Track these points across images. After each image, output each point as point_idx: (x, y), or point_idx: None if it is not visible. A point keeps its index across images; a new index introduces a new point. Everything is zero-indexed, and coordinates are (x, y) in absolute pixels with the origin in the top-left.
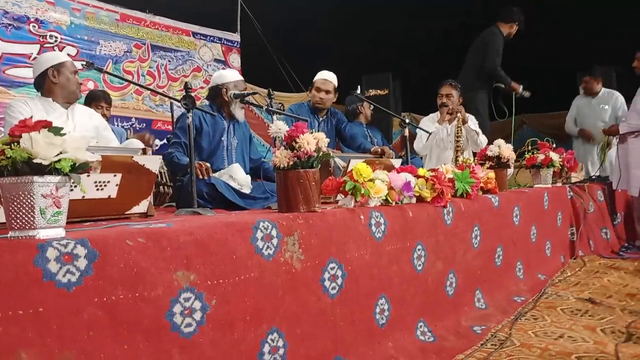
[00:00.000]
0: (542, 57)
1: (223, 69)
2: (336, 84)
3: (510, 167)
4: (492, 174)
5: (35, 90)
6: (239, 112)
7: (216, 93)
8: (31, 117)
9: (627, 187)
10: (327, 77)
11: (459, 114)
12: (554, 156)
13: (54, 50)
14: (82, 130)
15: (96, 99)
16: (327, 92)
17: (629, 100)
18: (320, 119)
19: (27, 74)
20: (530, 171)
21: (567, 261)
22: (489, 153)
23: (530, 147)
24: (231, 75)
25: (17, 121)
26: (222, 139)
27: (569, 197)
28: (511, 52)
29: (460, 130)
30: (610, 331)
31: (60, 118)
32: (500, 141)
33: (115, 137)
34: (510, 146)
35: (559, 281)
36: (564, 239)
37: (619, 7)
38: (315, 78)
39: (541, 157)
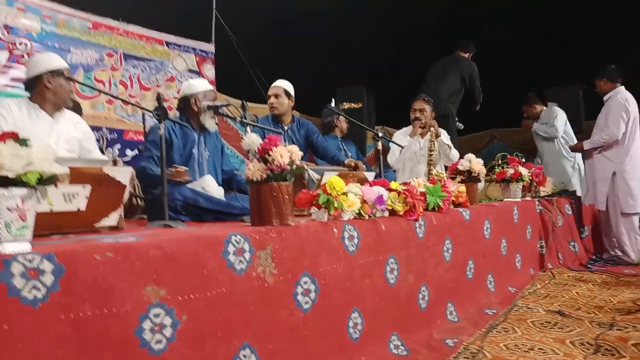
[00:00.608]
0: (512, 73)
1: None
2: (287, 88)
3: (480, 181)
4: (463, 188)
5: (22, 91)
6: (209, 122)
7: (186, 104)
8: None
9: (594, 202)
10: (274, 84)
11: (432, 128)
12: (523, 171)
13: (46, 54)
14: (64, 142)
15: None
16: (276, 95)
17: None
18: (286, 127)
19: None
20: (500, 185)
21: (536, 274)
22: (460, 167)
23: (500, 162)
24: (201, 85)
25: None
26: (193, 151)
27: (538, 210)
28: (483, 67)
29: (433, 144)
30: (580, 343)
31: (44, 126)
32: (470, 155)
33: (97, 149)
34: (480, 160)
35: (529, 294)
36: (533, 252)
37: (585, 25)
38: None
39: (511, 171)
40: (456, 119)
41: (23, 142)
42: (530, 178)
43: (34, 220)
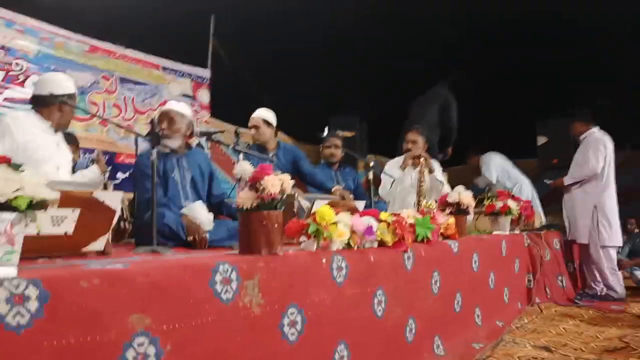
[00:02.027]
0: (501, 106)
1: (192, 104)
2: (265, 117)
3: (470, 214)
4: (452, 220)
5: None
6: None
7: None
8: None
9: (575, 237)
10: (253, 115)
11: (423, 160)
12: (512, 204)
13: (62, 75)
14: (65, 162)
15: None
16: (255, 127)
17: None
18: (270, 154)
19: None
20: (489, 218)
21: (524, 308)
22: (449, 199)
23: (488, 195)
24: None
25: (8, 135)
26: (173, 175)
27: (526, 244)
28: (476, 95)
29: (423, 175)
30: None
31: (52, 144)
32: (460, 188)
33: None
34: (470, 193)
35: (517, 328)
36: (521, 286)
37: (576, 58)
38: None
39: (499, 204)
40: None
41: (16, 167)
42: (519, 212)
43: (21, 245)
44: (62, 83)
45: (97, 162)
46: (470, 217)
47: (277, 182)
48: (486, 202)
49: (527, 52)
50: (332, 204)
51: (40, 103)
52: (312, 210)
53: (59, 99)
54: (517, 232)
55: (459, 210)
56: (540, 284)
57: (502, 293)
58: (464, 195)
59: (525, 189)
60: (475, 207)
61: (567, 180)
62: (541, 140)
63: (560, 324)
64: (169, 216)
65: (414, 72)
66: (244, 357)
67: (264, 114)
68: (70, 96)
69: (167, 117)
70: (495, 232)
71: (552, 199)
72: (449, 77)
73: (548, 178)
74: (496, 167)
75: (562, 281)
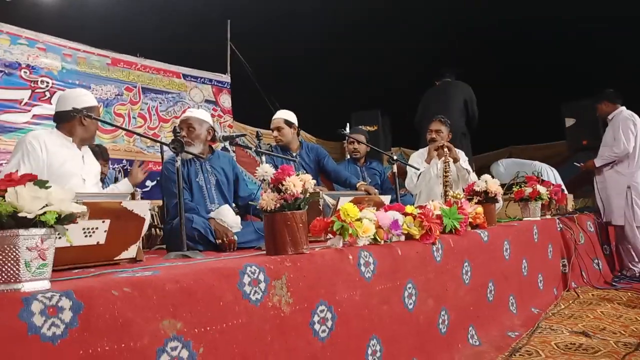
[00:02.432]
0: (527, 88)
1: (214, 109)
2: (286, 118)
3: (498, 202)
4: (480, 209)
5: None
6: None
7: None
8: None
9: (610, 218)
10: (274, 117)
11: (447, 150)
12: (541, 189)
13: (81, 91)
14: (92, 176)
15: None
16: (278, 129)
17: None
18: (294, 154)
19: (18, 119)
20: (518, 204)
21: (560, 293)
22: (477, 188)
23: (517, 180)
24: (208, 118)
25: (32, 154)
26: (197, 180)
27: (559, 229)
28: (498, 83)
29: (449, 165)
30: None
31: (76, 158)
32: (487, 176)
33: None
34: (497, 181)
35: (553, 314)
36: (556, 271)
37: (599, 41)
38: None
39: (529, 190)
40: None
41: (42, 184)
42: (549, 196)
43: (53, 258)
44: (81, 97)
45: (130, 173)
46: (499, 205)
47: (299, 182)
48: (515, 189)
49: (548, 36)
50: (356, 200)
51: (62, 119)
52: (337, 207)
53: (79, 113)
54: (548, 217)
55: (487, 199)
56: (576, 268)
57: (536, 279)
58: (491, 183)
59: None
60: (504, 194)
61: (598, 161)
62: (569, 122)
63: (598, 308)
64: (197, 220)
65: (435, 62)
66: (277, 356)
67: (285, 114)
68: (91, 109)
69: (186, 124)
70: (526, 219)
71: (583, 181)
72: (454, 74)
73: (577, 160)
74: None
75: (598, 264)
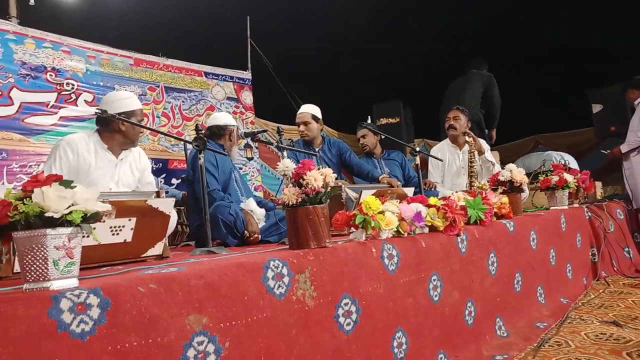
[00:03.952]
0: (553, 75)
1: (236, 106)
2: (313, 112)
3: (524, 191)
4: (505, 199)
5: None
6: (235, 154)
7: (219, 132)
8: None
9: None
10: (301, 111)
11: (471, 140)
12: (569, 177)
13: (124, 94)
14: (124, 187)
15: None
16: (305, 123)
17: None
18: (317, 149)
19: (45, 121)
20: (545, 193)
21: (589, 283)
22: (501, 178)
23: (544, 169)
24: (233, 121)
25: (63, 160)
26: (233, 174)
27: (587, 217)
28: (523, 70)
29: (473, 155)
30: (637, 355)
31: (108, 167)
32: (511, 165)
33: (152, 180)
34: (522, 170)
35: (582, 304)
36: (585, 261)
37: (627, 26)
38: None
39: (555, 178)
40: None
41: (67, 184)
42: (577, 184)
43: (80, 256)
44: (120, 101)
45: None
46: (525, 194)
47: (320, 176)
48: (541, 177)
49: (574, 22)
50: (379, 193)
51: (101, 123)
52: (360, 201)
53: (117, 118)
54: (576, 205)
55: (512, 188)
56: (606, 257)
57: (564, 269)
58: (516, 172)
59: None
60: (530, 183)
61: (624, 147)
62: (596, 108)
63: (629, 297)
64: (234, 207)
65: (458, 52)
66: (302, 350)
67: (311, 109)
68: (130, 113)
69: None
70: (553, 208)
71: (611, 168)
72: (483, 64)
73: (605, 147)
74: None
75: (628, 252)
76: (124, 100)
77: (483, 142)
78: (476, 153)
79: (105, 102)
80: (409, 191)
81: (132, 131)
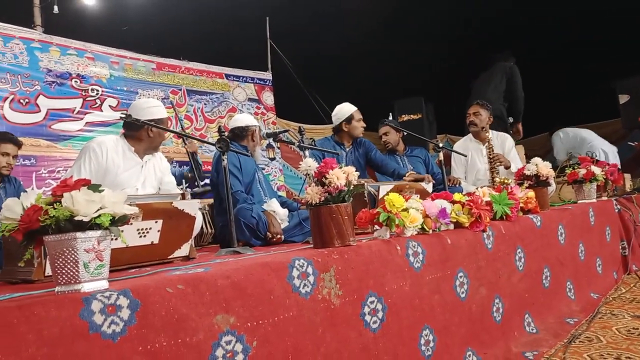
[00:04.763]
0: (578, 66)
1: (258, 107)
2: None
3: (550, 185)
4: (531, 194)
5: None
6: (258, 154)
7: (242, 133)
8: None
9: None
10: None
11: (500, 159)
12: (596, 170)
13: (153, 102)
14: (149, 187)
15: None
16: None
17: None
18: (347, 149)
19: (71, 127)
20: (572, 187)
21: (620, 277)
22: (527, 172)
23: (570, 162)
24: (255, 121)
25: (94, 160)
26: (256, 174)
27: (617, 210)
28: (548, 61)
29: (492, 150)
30: None
31: (134, 169)
32: (537, 159)
33: (173, 180)
34: (548, 164)
35: (613, 299)
36: (615, 254)
37: None
38: (351, 111)
39: (583, 171)
40: (509, 119)
41: (95, 188)
42: (605, 177)
43: (109, 258)
44: (150, 109)
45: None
46: (552, 188)
47: (342, 175)
48: (568, 171)
49: (600, 12)
50: (397, 188)
51: (130, 127)
52: (380, 197)
53: (146, 127)
54: (604, 198)
55: (538, 182)
56: (636, 250)
57: (594, 264)
58: (541, 166)
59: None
60: (557, 176)
61: None
62: (623, 99)
63: None
64: (256, 209)
65: (480, 46)
66: (328, 349)
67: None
68: (159, 121)
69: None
70: (580, 201)
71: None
72: (509, 56)
73: (632, 139)
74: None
75: None
76: (154, 108)
77: (508, 137)
78: (500, 147)
79: (135, 108)
80: (428, 188)
81: (158, 138)
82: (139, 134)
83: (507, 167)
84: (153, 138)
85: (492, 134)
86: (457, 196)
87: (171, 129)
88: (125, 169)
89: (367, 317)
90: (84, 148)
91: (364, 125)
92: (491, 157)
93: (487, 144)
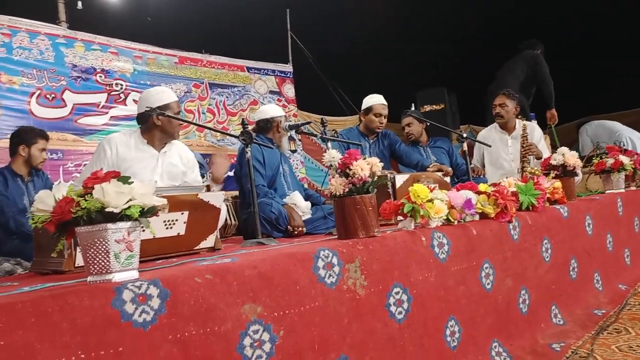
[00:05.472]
0: (606, 54)
1: (279, 99)
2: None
3: (577, 175)
4: (558, 184)
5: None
6: (285, 144)
7: (266, 125)
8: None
9: None
10: (384, 102)
11: (523, 125)
12: (625, 159)
13: (157, 89)
14: (167, 178)
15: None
16: (386, 116)
17: None
18: (371, 141)
19: (97, 121)
20: (600, 177)
21: None
22: (553, 162)
23: (597, 151)
24: (280, 110)
25: (103, 159)
26: (280, 168)
27: None
28: (575, 50)
29: (526, 139)
30: None
31: (150, 160)
32: (564, 149)
33: (199, 178)
34: (575, 153)
35: None
36: None
37: None
38: (373, 103)
39: (610, 161)
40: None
41: (125, 180)
42: (634, 166)
43: (139, 249)
44: (155, 96)
45: (212, 164)
46: (578, 178)
47: (367, 166)
48: (595, 160)
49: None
50: (413, 178)
51: (140, 120)
52: (397, 186)
53: (153, 113)
54: (633, 188)
55: (565, 172)
56: None
57: (622, 255)
58: (568, 156)
59: None
60: (584, 166)
61: None
62: None
63: None
64: (275, 205)
65: (503, 36)
66: (355, 338)
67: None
68: (165, 107)
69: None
70: (608, 191)
71: None
72: (536, 44)
73: None
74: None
75: None
76: (157, 95)
77: (536, 127)
78: (528, 137)
79: (142, 99)
80: (446, 178)
81: (168, 124)
82: (149, 124)
83: (539, 158)
84: (162, 126)
85: (520, 124)
86: (482, 187)
87: (183, 117)
88: (138, 160)
89: (393, 308)
90: (97, 146)
91: (384, 122)
92: (524, 146)
93: (521, 133)
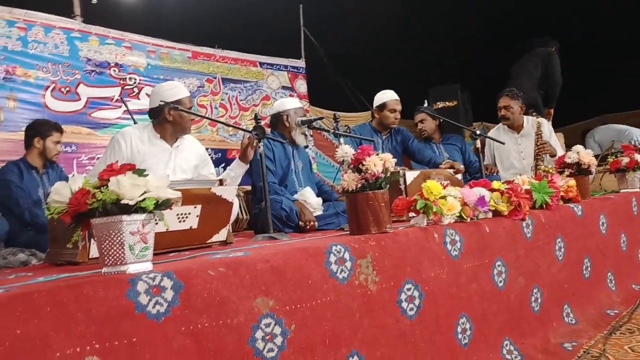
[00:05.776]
0: (618, 52)
1: (291, 95)
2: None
3: (592, 173)
4: (572, 182)
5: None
6: (299, 138)
7: (278, 120)
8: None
9: None
10: (397, 98)
11: (538, 121)
12: None
13: (169, 84)
14: (180, 172)
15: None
16: (400, 111)
17: None
18: (384, 137)
19: (111, 115)
20: (615, 175)
21: None
22: (568, 160)
23: (613, 150)
24: (291, 103)
25: (117, 153)
26: (291, 164)
27: None
28: (587, 47)
29: (541, 137)
30: None
31: (163, 155)
32: (578, 147)
33: (213, 172)
34: (590, 151)
35: None
36: None
37: None
38: (386, 99)
39: (625, 160)
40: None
41: (140, 173)
42: None
43: (153, 241)
44: (167, 91)
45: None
46: (591, 176)
47: (380, 161)
48: (610, 159)
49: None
50: (424, 174)
51: (153, 115)
52: (407, 183)
53: (164, 108)
54: None
55: (579, 171)
56: None
57: (636, 254)
58: (583, 154)
59: None
60: (599, 165)
61: None
62: None
63: None
64: (285, 202)
65: (517, 32)
66: (366, 334)
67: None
68: (177, 102)
69: (302, 111)
70: (623, 190)
71: None
72: (549, 42)
73: None
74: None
75: None
76: (169, 90)
77: (545, 122)
78: (543, 135)
79: (154, 94)
80: (457, 177)
81: (180, 119)
82: (161, 118)
83: (553, 156)
84: (174, 121)
85: (528, 121)
86: (495, 184)
87: (195, 112)
88: (151, 155)
89: (404, 304)
90: (110, 140)
91: (398, 117)
92: (539, 144)
93: (536, 130)
